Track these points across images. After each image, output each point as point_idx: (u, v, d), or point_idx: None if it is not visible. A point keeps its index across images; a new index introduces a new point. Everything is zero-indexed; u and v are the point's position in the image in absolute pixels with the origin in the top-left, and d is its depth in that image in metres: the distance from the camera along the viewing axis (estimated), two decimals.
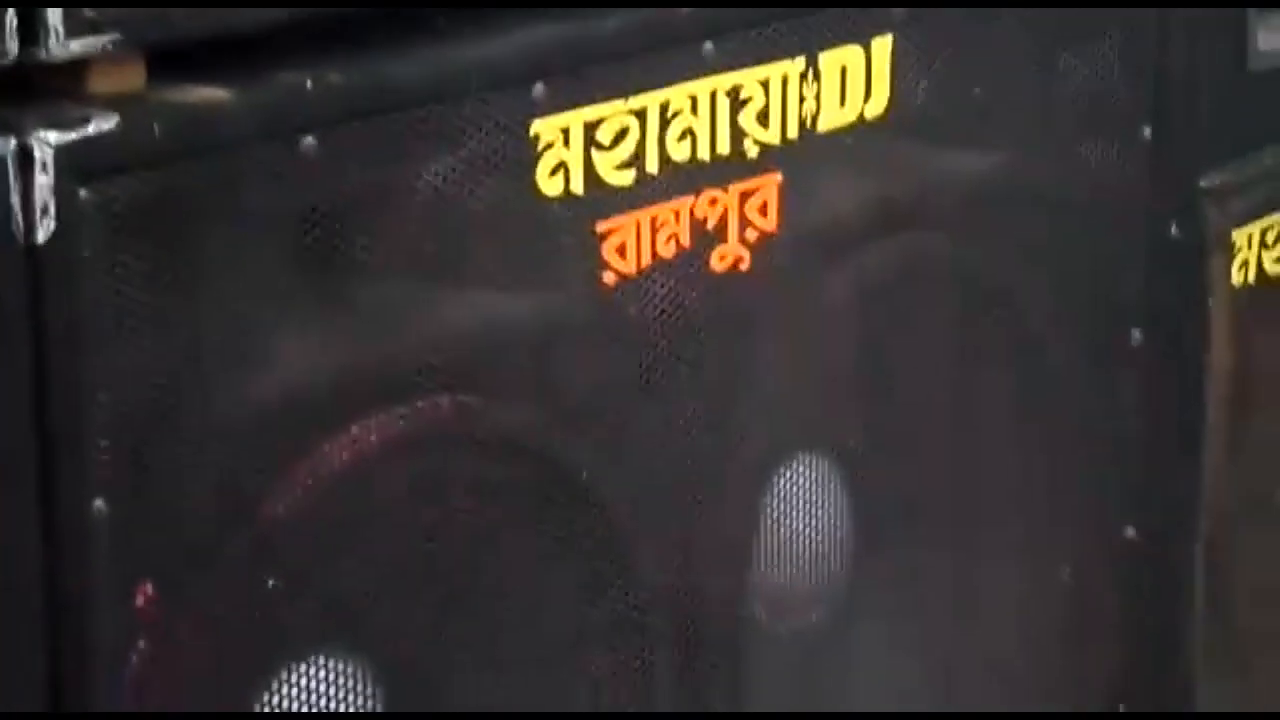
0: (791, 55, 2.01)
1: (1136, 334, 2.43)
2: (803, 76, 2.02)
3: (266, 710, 1.79)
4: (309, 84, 1.66)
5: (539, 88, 1.75)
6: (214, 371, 1.62)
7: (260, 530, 1.68)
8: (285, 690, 1.78)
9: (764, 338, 2.10)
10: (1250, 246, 2.47)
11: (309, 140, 1.66)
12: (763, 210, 2.09)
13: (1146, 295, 2.46)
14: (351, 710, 1.86)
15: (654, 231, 1.91)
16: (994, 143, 2.31)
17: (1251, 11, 2.41)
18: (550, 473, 1.90)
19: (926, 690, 2.35)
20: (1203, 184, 2.43)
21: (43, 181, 1.46)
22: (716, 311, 2.09)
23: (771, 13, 2.00)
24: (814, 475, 2.20)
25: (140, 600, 1.59)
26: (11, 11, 1.44)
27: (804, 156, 2.10)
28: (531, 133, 1.76)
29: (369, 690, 1.83)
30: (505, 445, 1.86)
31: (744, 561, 2.09)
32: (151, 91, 1.56)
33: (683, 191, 1.98)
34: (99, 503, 1.54)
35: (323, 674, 1.81)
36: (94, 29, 1.49)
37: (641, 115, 1.86)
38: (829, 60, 2.03)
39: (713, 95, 1.95)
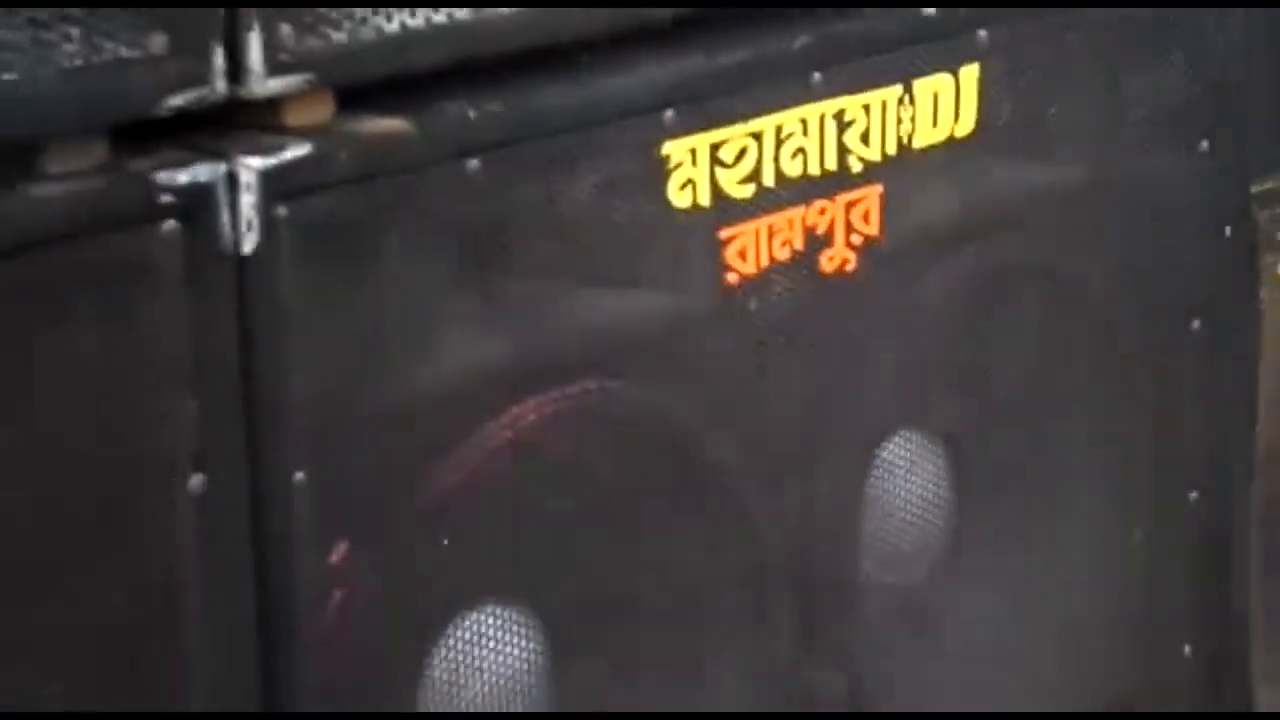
0: (890, 83, 2.02)
1: (1196, 323, 2.44)
2: (900, 101, 2.03)
3: (445, 654, 1.79)
4: (473, 114, 1.68)
5: (669, 114, 1.76)
6: (393, 360, 1.66)
7: (435, 497, 1.71)
8: (458, 634, 1.80)
9: (867, 329, 2.11)
10: None
11: (474, 163, 1.67)
12: (865, 218, 2.10)
13: (1205, 289, 2.47)
14: (516, 654, 1.85)
15: (770, 237, 1.92)
16: (1070, 157, 2.32)
17: None
18: (681, 446, 1.92)
19: (1014, 640, 2.36)
20: (1254, 190, 2.44)
21: (247, 201, 1.51)
22: (825, 307, 2.10)
23: (872, 46, 2.01)
24: (913, 449, 2.22)
25: (335, 557, 1.62)
26: (220, 54, 1.47)
27: (902, 171, 2.11)
28: (663, 153, 1.77)
29: (529, 633, 1.84)
30: (643, 423, 1.89)
31: (852, 523, 2.10)
32: (339, 122, 1.59)
33: (796, 202, 2.00)
34: (300, 475, 1.58)
35: (490, 620, 1.83)
36: (289, 70, 1.52)
37: (759, 137, 1.87)
38: (923, 87, 2.04)
39: (821, 118, 1.95)
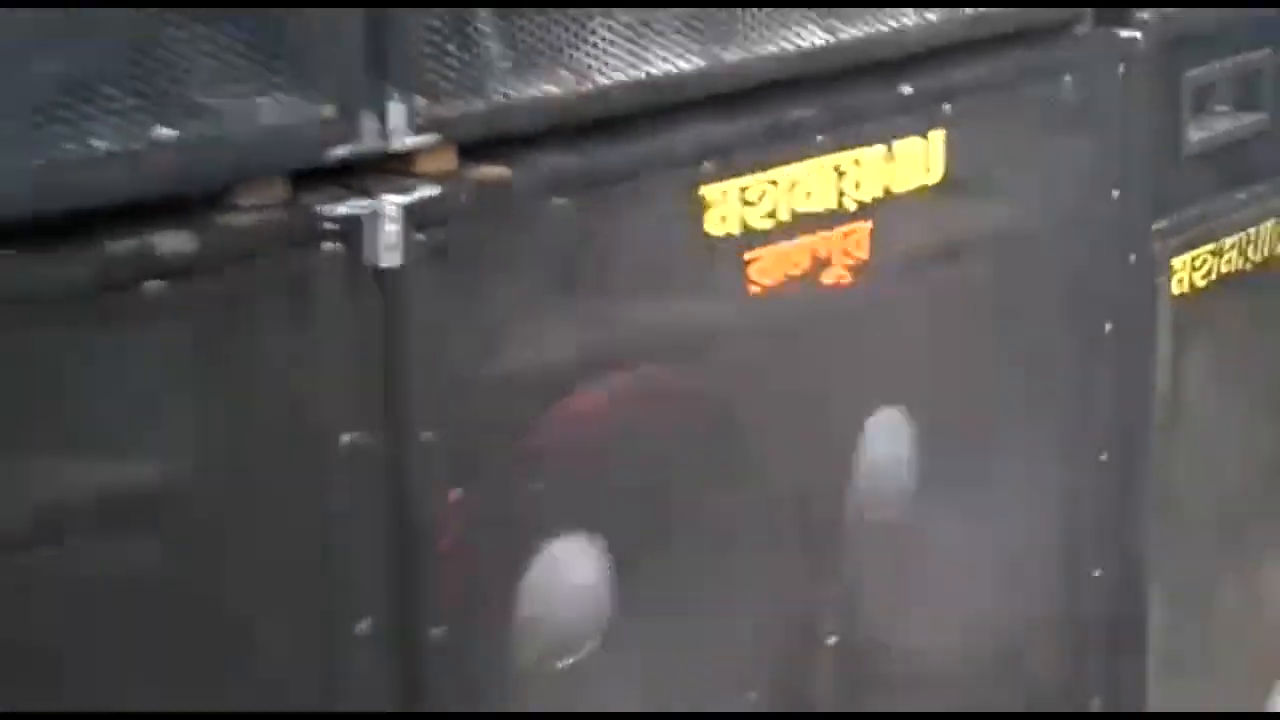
0: (876, 143, 2.06)
1: (1109, 325, 2.50)
2: (884, 158, 2.06)
3: (536, 570, 1.79)
4: (562, 163, 1.71)
5: (707, 165, 1.78)
6: (497, 348, 1.66)
7: (527, 452, 1.72)
8: (547, 555, 1.80)
9: (858, 328, 2.14)
10: (1184, 269, 2.53)
11: (559, 201, 1.69)
12: (858, 245, 2.14)
13: (1115, 300, 2.54)
14: (590, 571, 1.84)
15: (784, 259, 1.95)
16: (1014, 200, 2.36)
17: (1185, 115, 2.47)
18: (714, 413, 1.94)
19: (969, 558, 2.39)
20: (1154, 228, 2.50)
21: (390, 230, 1.53)
22: (826, 311, 2.13)
23: (862, 115, 2.05)
24: (893, 420, 2.22)
25: (452, 499, 1.65)
26: (373, 119, 1.51)
27: (886, 210, 2.14)
28: (702, 194, 1.80)
29: (600, 556, 1.84)
30: (686, 397, 1.91)
31: (845, 474, 2.14)
32: (459, 169, 1.61)
33: (804, 233, 2.03)
34: (426, 434, 1.61)
35: (570, 545, 1.83)
36: (422, 131, 1.55)
37: (776, 183, 1.90)
38: (901, 146, 2.08)
39: (822, 169, 1.99)
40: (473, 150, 1.64)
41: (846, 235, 2.14)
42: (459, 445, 1.62)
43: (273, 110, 1.47)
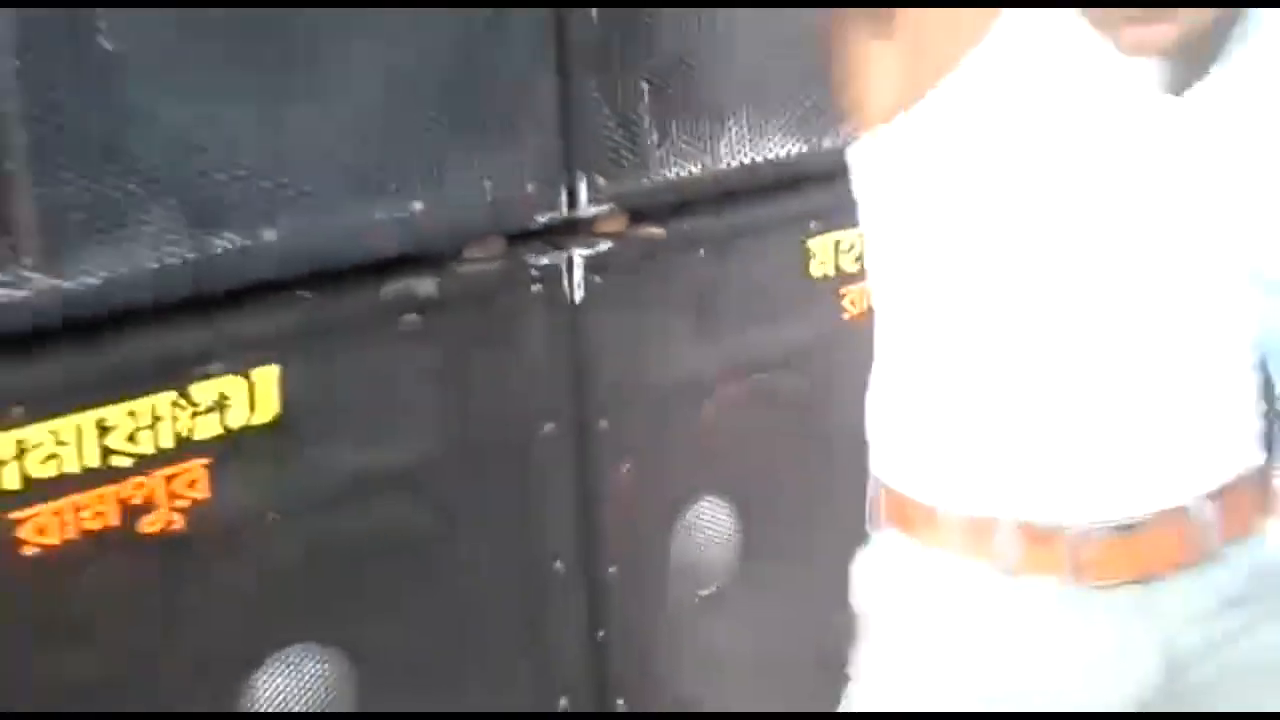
0: None
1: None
2: None
3: (684, 523, 1.77)
4: (702, 224, 1.70)
5: (812, 224, 1.76)
6: (657, 359, 1.63)
7: (676, 437, 1.70)
8: (693, 512, 1.77)
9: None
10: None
11: (703, 252, 1.70)
12: None
13: None
14: (726, 528, 1.81)
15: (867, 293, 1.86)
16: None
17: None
18: (812, 407, 1.84)
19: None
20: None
21: (578, 275, 1.58)
22: None
23: None
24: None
25: (624, 470, 1.66)
26: (565, 194, 1.54)
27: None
28: (808, 245, 1.77)
29: (731, 516, 1.80)
30: (793, 396, 1.83)
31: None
32: (628, 230, 1.63)
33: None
34: (603, 422, 1.64)
35: (709, 505, 1.79)
36: (601, 203, 1.58)
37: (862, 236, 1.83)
38: None
39: None
40: (636, 214, 1.66)
41: None
42: (625, 431, 1.64)
43: (494, 189, 1.51)
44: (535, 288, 1.55)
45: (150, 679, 1.33)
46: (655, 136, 1.69)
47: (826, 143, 1.81)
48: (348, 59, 1.39)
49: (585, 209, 1.58)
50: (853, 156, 1.31)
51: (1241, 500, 1.32)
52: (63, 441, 1.23)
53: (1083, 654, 1.30)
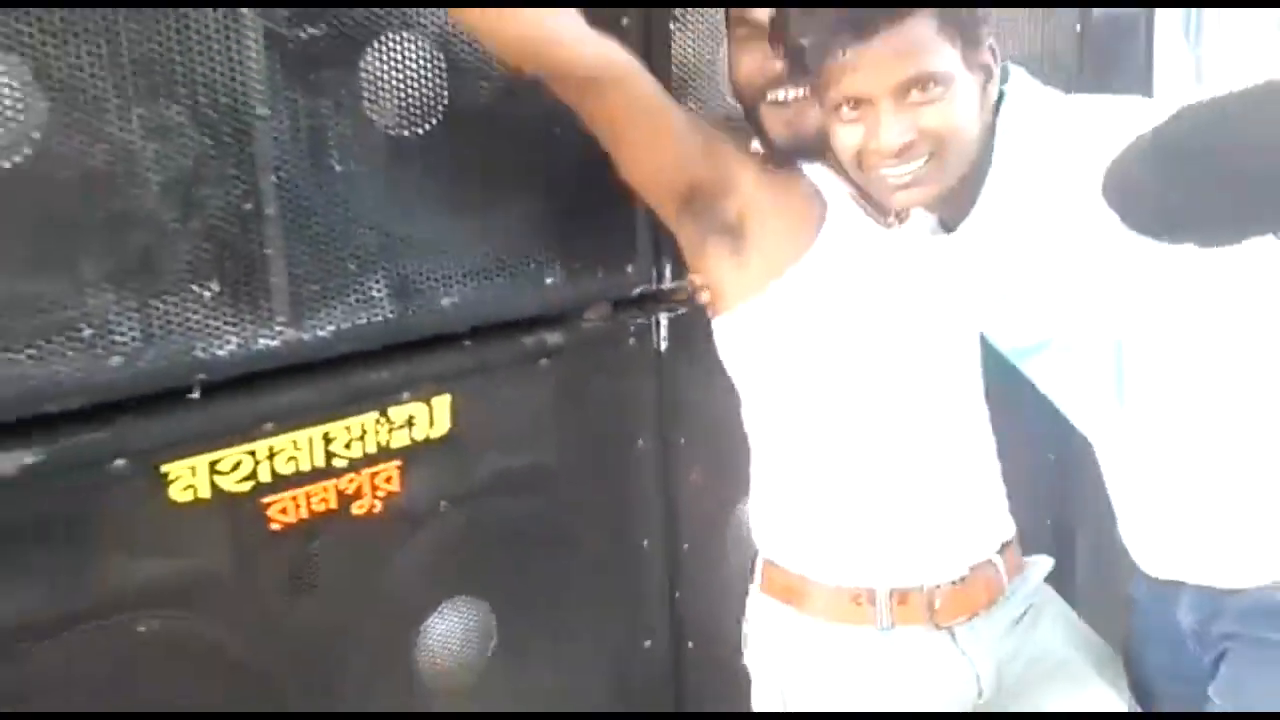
0: None
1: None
2: None
3: (739, 508, 1.66)
4: None
5: None
6: (720, 396, 1.45)
7: (732, 449, 1.50)
8: (741, 509, 1.65)
9: None
10: None
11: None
12: None
13: None
14: None
15: None
16: None
17: None
18: None
19: None
20: None
21: (663, 331, 1.55)
22: None
23: None
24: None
25: (694, 474, 1.61)
26: (655, 274, 1.53)
27: None
28: None
29: None
30: None
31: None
32: (696, 297, 1.51)
33: None
34: (680, 439, 1.59)
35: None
36: (677, 278, 1.52)
37: None
38: None
39: None
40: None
41: None
42: (696, 445, 1.60)
43: (604, 269, 1.50)
44: (632, 341, 1.54)
45: (356, 620, 1.33)
46: None
47: None
48: (501, 176, 1.36)
49: (668, 283, 1.55)
50: (717, 327, 1.34)
51: (1013, 550, 1.37)
52: (299, 447, 1.25)
53: (942, 674, 1.33)
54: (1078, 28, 1.97)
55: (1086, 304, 1.15)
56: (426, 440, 1.34)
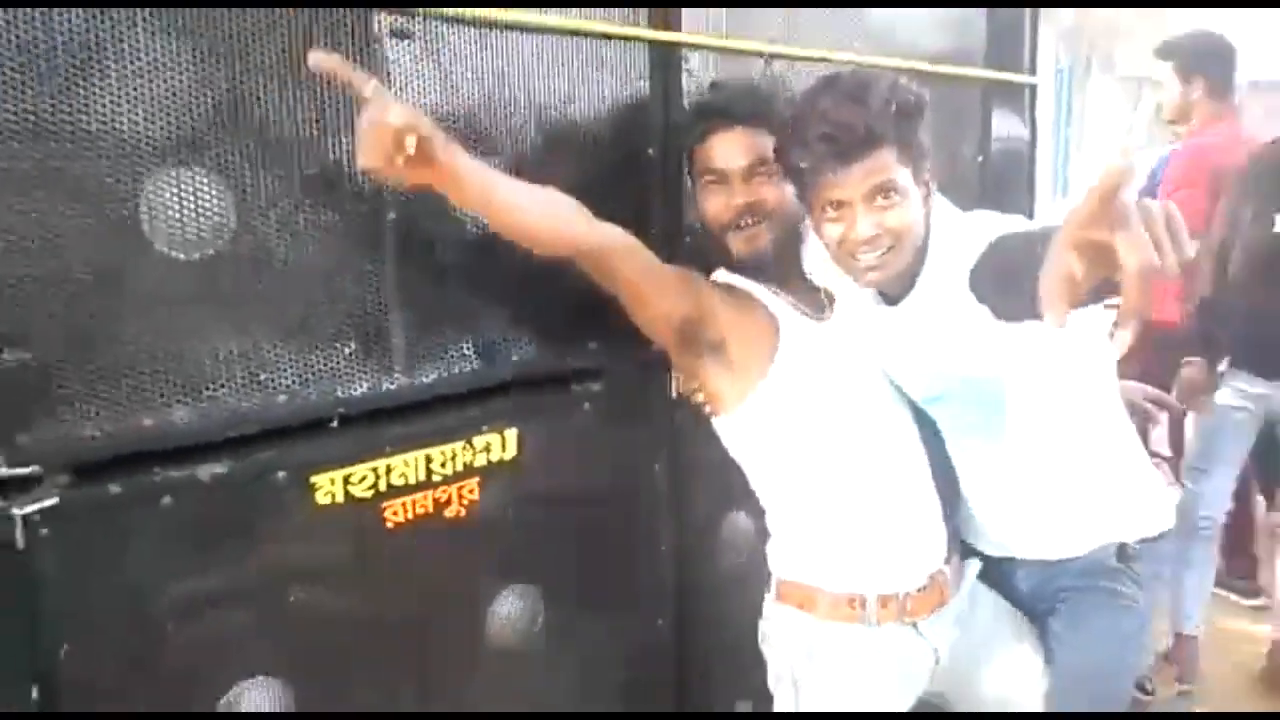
0: None
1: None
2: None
3: (727, 523, 1.64)
4: None
5: None
6: (716, 437, 1.41)
7: (724, 475, 1.48)
8: (730, 519, 1.67)
9: None
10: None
11: None
12: None
13: None
14: (748, 527, 1.62)
15: None
16: None
17: None
18: None
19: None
20: None
21: (675, 385, 1.53)
22: None
23: None
24: None
25: (698, 492, 1.60)
26: None
27: None
28: None
29: (751, 521, 1.63)
30: None
31: None
32: None
33: None
34: (687, 464, 1.58)
35: (736, 517, 1.68)
36: None
37: None
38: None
39: None
40: None
41: None
42: (698, 469, 1.59)
43: (633, 339, 1.36)
44: (651, 391, 1.54)
45: (444, 597, 1.33)
46: None
47: None
48: (558, 271, 1.23)
49: None
50: (720, 426, 1.36)
51: (955, 559, 1.40)
52: (408, 466, 1.26)
53: (912, 655, 1.37)
54: (980, 159, 2.05)
55: (975, 360, 1.24)
56: (499, 462, 1.35)
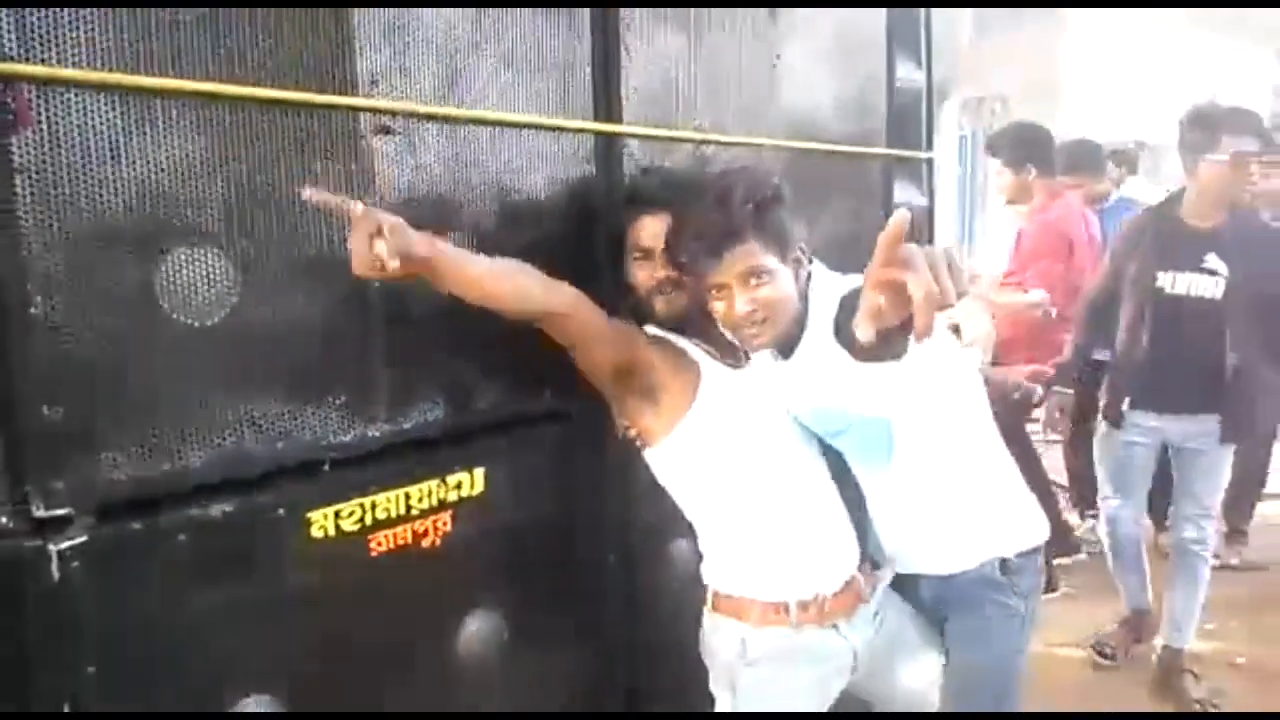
0: None
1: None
2: None
3: (673, 545, 1.66)
4: None
5: None
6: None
7: (670, 508, 1.53)
8: (674, 541, 1.69)
9: None
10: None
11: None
12: None
13: None
14: (690, 551, 1.57)
15: None
16: None
17: None
18: None
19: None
20: None
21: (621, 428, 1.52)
22: None
23: None
24: None
25: (644, 520, 1.64)
26: None
27: None
28: None
29: (691, 545, 1.57)
30: None
31: None
32: None
33: None
34: (635, 495, 1.61)
35: (682, 544, 1.69)
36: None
37: None
38: None
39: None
40: None
41: None
42: (644, 498, 1.57)
43: (586, 388, 1.43)
44: (601, 432, 1.54)
45: (422, 615, 1.37)
46: None
47: None
48: (517, 331, 1.30)
49: None
50: (650, 457, 1.44)
51: (866, 567, 1.50)
52: (390, 502, 1.32)
53: (832, 654, 1.46)
54: (881, 214, 2.17)
55: (861, 401, 1.38)
56: (469, 497, 1.41)
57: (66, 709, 1.04)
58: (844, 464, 1.47)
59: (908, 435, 1.38)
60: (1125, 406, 2.57)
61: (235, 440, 1.17)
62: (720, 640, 1.48)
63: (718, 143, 1.68)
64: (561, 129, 1.47)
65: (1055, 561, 3.32)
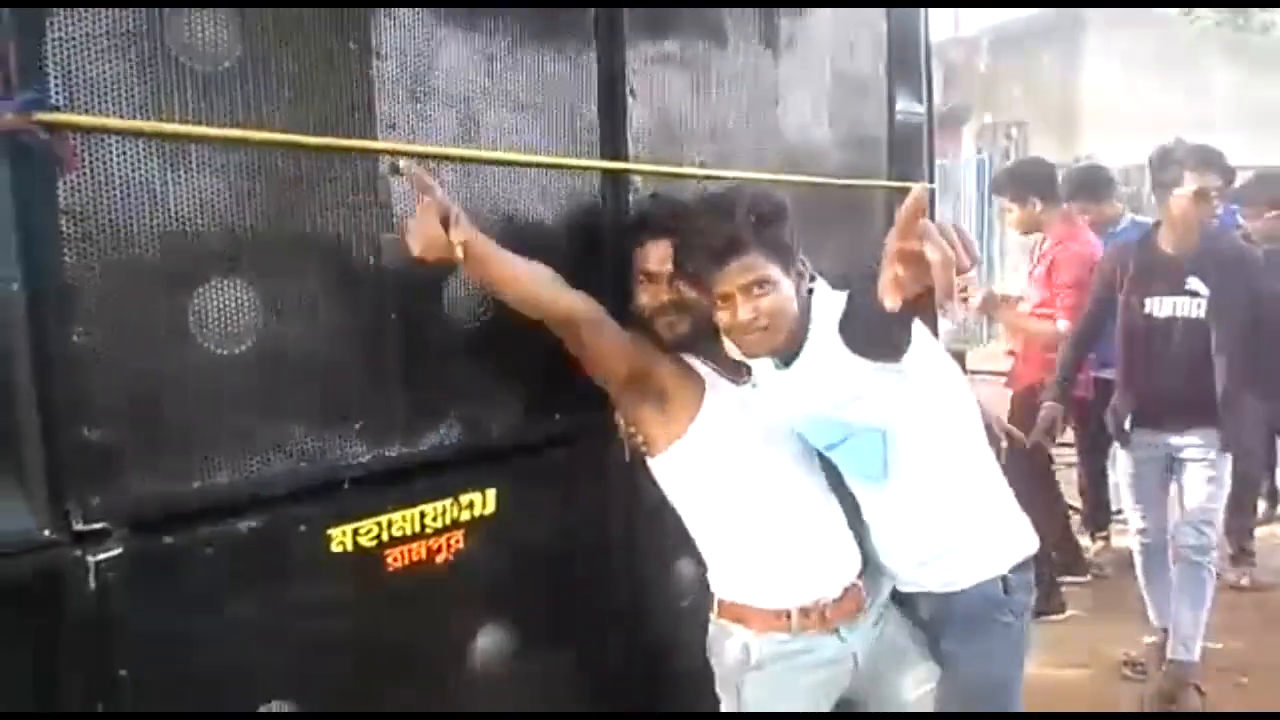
0: None
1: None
2: None
3: (679, 561, 1.64)
4: None
5: None
6: (660, 491, 1.49)
7: (672, 521, 1.53)
8: (679, 552, 1.66)
9: None
10: None
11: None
12: None
13: None
14: (694, 565, 1.56)
15: None
16: None
17: None
18: None
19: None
20: None
21: (628, 454, 1.54)
22: None
23: None
24: None
25: (647, 531, 1.62)
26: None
27: None
28: None
29: (693, 563, 1.59)
30: None
31: None
32: None
33: None
34: (640, 517, 1.61)
35: (683, 563, 1.68)
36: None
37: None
38: None
39: None
40: None
41: None
42: (649, 519, 1.59)
43: (592, 413, 1.49)
44: (608, 455, 1.58)
45: (441, 629, 1.41)
46: None
47: None
48: (531, 356, 1.40)
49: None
50: (655, 465, 1.45)
51: (865, 574, 1.48)
52: (406, 520, 1.34)
53: (834, 657, 1.45)
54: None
55: (859, 413, 1.38)
56: (481, 517, 1.43)
57: (100, 708, 1.07)
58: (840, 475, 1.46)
59: (905, 448, 1.38)
60: (1127, 425, 2.61)
61: (261, 461, 1.20)
62: (725, 645, 1.48)
63: (720, 177, 1.69)
64: (569, 167, 1.50)
65: (1064, 584, 3.26)
